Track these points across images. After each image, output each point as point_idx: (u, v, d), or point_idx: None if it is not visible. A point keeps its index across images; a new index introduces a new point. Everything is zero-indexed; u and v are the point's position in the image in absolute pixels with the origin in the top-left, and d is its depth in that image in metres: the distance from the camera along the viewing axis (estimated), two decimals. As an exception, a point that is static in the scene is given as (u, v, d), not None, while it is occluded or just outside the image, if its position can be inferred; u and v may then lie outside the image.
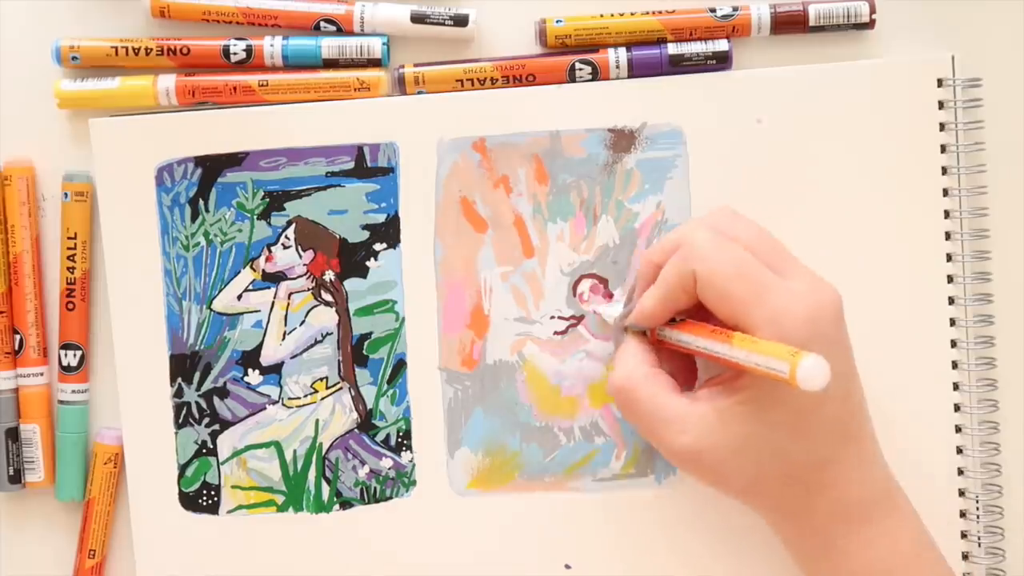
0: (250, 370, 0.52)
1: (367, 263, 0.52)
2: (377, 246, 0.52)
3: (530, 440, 0.52)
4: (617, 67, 0.51)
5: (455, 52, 0.52)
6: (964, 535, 0.52)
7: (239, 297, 0.52)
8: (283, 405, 0.53)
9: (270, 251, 0.52)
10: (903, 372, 0.52)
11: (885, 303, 0.52)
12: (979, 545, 0.52)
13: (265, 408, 0.52)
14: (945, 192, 0.52)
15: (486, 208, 0.52)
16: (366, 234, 0.52)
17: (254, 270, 0.52)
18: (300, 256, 0.52)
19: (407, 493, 0.53)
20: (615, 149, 0.52)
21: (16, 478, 0.53)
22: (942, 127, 0.52)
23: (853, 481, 0.45)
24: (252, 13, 0.52)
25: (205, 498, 0.53)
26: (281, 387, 0.52)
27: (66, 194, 0.52)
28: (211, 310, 0.52)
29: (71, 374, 0.52)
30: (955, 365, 0.52)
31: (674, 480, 0.52)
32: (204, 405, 0.52)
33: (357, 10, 0.52)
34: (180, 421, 0.52)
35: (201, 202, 0.52)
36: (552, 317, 0.52)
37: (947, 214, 0.52)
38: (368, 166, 0.52)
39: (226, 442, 0.53)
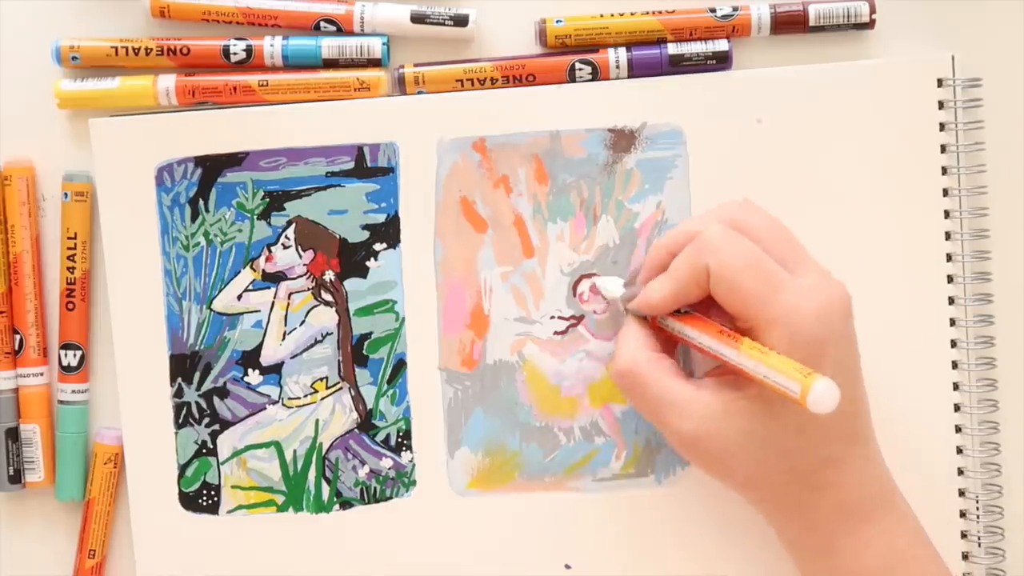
0: (250, 370, 0.52)
1: (367, 263, 0.52)
2: (377, 246, 0.52)
3: (530, 440, 0.52)
4: (617, 67, 0.51)
5: (455, 52, 0.52)
6: (964, 535, 0.52)
7: (239, 297, 0.52)
8: (283, 405, 0.53)
9: (270, 251, 0.52)
10: (903, 372, 0.52)
11: (885, 303, 0.52)
12: (979, 545, 0.52)
13: (265, 408, 0.52)
14: (945, 192, 0.52)
15: (486, 208, 0.52)
16: (366, 234, 0.52)
17: (254, 270, 0.52)
18: (300, 256, 0.52)
19: (407, 493, 0.53)
20: (615, 149, 0.52)
21: (16, 478, 0.53)
22: (942, 127, 0.52)
23: (855, 481, 0.45)
24: (252, 13, 0.52)
25: (205, 498, 0.53)
26: (281, 387, 0.52)
27: (66, 194, 0.52)
28: (211, 310, 0.52)
29: (71, 374, 0.53)
30: (955, 365, 0.52)
31: (674, 480, 0.52)
32: (204, 405, 0.52)
33: (357, 10, 0.52)
34: (180, 421, 0.52)
35: (201, 202, 0.52)
36: (552, 317, 0.52)
37: (947, 214, 0.52)
38: (368, 166, 0.52)
39: (226, 442, 0.53)
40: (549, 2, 0.52)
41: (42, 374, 0.53)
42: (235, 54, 0.52)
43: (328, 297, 0.52)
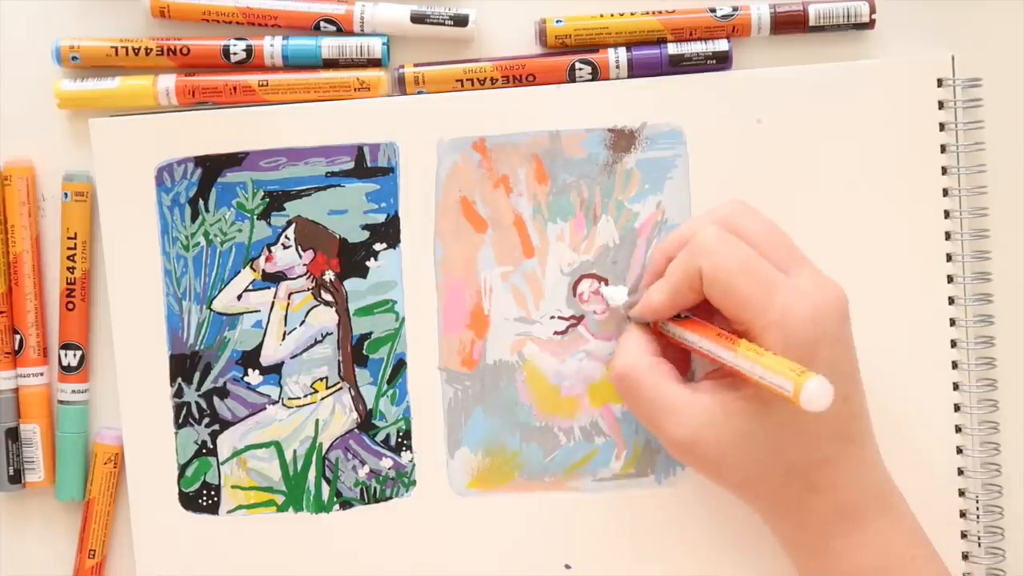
0: (250, 370, 0.52)
1: (367, 263, 0.52)
2: (377, 246, 0.52)
3: (530, 440, 0.52)
4: (617, 67, 0.51)
5: (455, 52, 0.52)
6: (964, 535, 0.52)
7: (239, 297, 0.52)
8: (283, 405, 0.53)
9: (270, 251, 0.52)
10: (903, 372, 0.52)
11: (885, 303, 0.52)
12: (979, 545, 0.52)
13: (265, 408, 0.53)
14: (945, 192, 0.52)
15: (486, 208, 0.52)
16: (366, 234, 0.52)
17: (254, 270, 0.52)
18: (300, 256, 0.52)
19: (407, 493, 0.53)
20: (615, 149, 0.52)
21: (16, 478, 0.53)
22: (942, 127, 0.52)
23: (850, 482, 0.45)
24: (252, 13, 0.52)
25: (205, 498, 0.53)
26: (281, 387, 0.52)
27: (66, 194, 0.52)
28: (211, 310, 0.52)
29: (71, 374, 0.52)
30: (955, 365, 0.52)
31: (674, 480, 0.52)
32: (204, 405, 0.52)
33: (357, 10, 0.52)
34: (180, 421, 0.52)
35: (201, 202, 0.52)
36: (552, 317, 0.52)
37: (947, 214, 0.52)
38: (368, 166, 0.52)
39: (226, 442, 0.53)
40: (549, 2, 0.52)
41: (42, 374, 0.53)
42: (235, 54, 0.52)
43: (328, 297, 0.52)
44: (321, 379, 0.52)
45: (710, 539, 0.52)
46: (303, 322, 0.52)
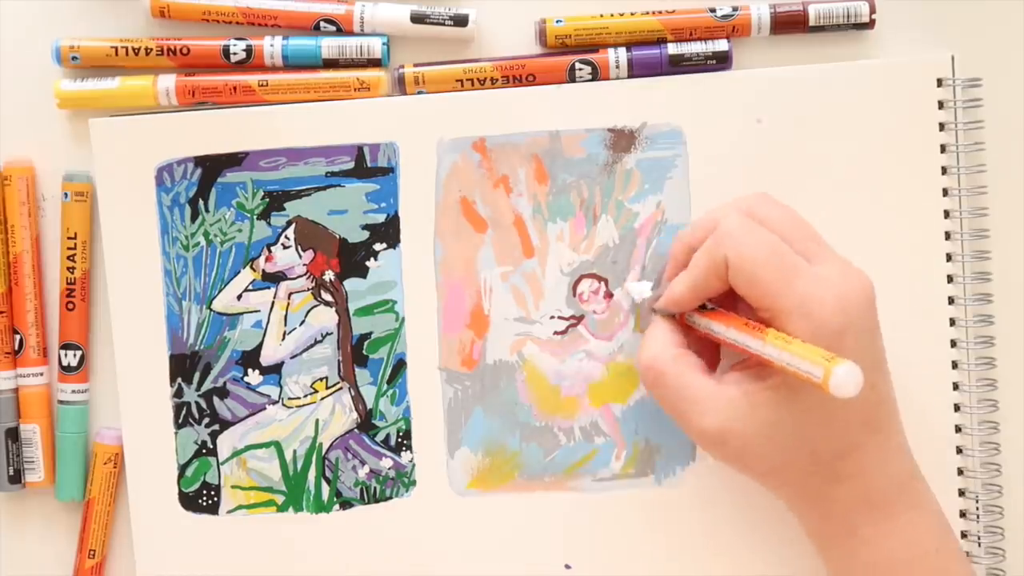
0: (250, 370, 0.52)
1: (367, 263, 0.52)
2: (377, 246, 0.52)
3: (530, 440, 0.52)
4: (617, 67, 0.51)
5: (455, 52, 0.52)
6: (964, 535, 0.52)
7: (239, 297, 0.52)
8: (283, 405, 0.53)
9: (270, 251, 0.52)
10: (903, 372, 0.51)
11: (885, 303, 0.51)
12: (979, 545, 0.52)
13: (265, 408, 0.53)
14: (945, 192, 0.52)
15: (486, 208, 0.52)
16: (366, 234, 0.52)
17: (254, 270, 0.52)
18: (300, 256, 0.52)
19: (407, 493, 0.53)
20: (615, 149, 0.52)
21: (16, 478, 0.53)
22: (942, 127, 0.52)
23: (877, 471, 0.45)
24: (252, 13, 0.52)
25: (205, 498, 0.53)
26: (281, 387, 0.52)
27: (66, 194, 0.52)
28: (211, 310, 0.52)
29: (71, 374, 0.52)
30: (955, 365, 0.52)
31: (674, 480, 0.52)
32: (204, 405, 0.52)
33: (357, 10, 0.52)
34: (180, 421, 0.52)
35: (201, 202, 0.52)
36: (552, 317, 0.52)
37: (947, 214, 0.52)
38: (368, 166, 0.52)
39: (226, 442, 0.53)
40: (549, 2, 0.52)
41: (42, 374, 0.53)
42: (235, 54, 0.52)
43: (328, 297, 0.52)
44: (321, 379, 0.52)
45: (710, 539, 0.52)
46: (303, 322, 0.52)
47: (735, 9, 0.52)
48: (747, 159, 0.51)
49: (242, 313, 0.52)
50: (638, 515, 0.52)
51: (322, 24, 0.52)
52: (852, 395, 0.40)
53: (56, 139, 0.53)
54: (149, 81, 0.52)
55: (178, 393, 0.52)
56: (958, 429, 0.52)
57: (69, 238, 0.52)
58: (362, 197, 0.52)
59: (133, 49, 0.52)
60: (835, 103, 0.51)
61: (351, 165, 0.52)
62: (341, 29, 0.52)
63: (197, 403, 0.52)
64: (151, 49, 0.52)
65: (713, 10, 0.52)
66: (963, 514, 0.52)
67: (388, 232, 0.52)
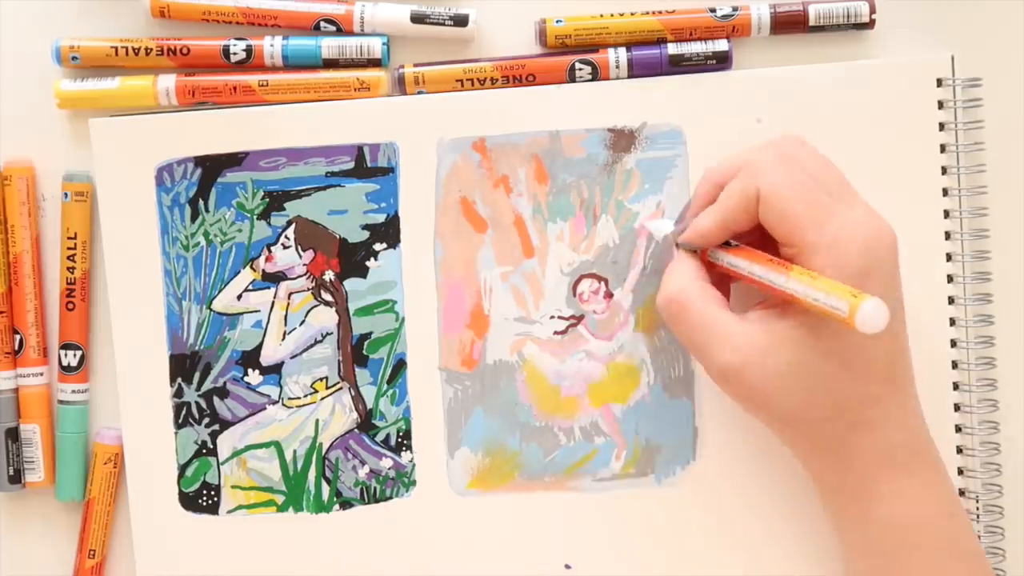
0: (250, 370, 0.52)
1: (367, 263, 0.52)
2: (377, 246, 0.52)
3: (530, 440, 0.52)
4: (617, 67, 0.51)
5: (455, 52, 0.52)
6: (964, 535, 0.52)
7: (239, 297, 0.52)
8: (283, 405, 0.53)
9: (270, 251, 0.52)
10: (903, 372, 0.52)
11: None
12: (979, 545, 0.52)
13: (265, 408, 0.53)
14: (945, 192, 0.52)
15: (486, 208, 0.52)
16: (366, 234, 0.52)
17: (254, 270, 0.52)
18: (300, 256, 0.52)
19: (407, 493, 0.53)
20: (615, 149, 0.52)
21: (16, 478, 0.53)
22: (942, 127, 0.52)
23: (896, 425, 0.45)
24: (252, 13, 0.52)
25: (205, 498, 0.53)
26: (281, 387, 0.52)
27: (66, 194, 0.52)
28: (211, 310, 0.52)
29: (71, 374, 0.52)
30: (955, 365, 0.52)
31: (674, 480, 0.52)
32: (204, 405, 0.52)
33: (357, 10, 0.52)
34: (180, 421, 0.52)
35: (201, 202, 0.52)
36: (552, 317, 0.52)
37: (947, 214, 0.52)
38: (368, 166, 0.52)
39: (226, 442, 0.53)
40: (549, 2, 0.52)
41: (42, 374, 0.53)
42: (235, 54, 0.52)
43: (328, 297, 0.52)
44: (321, 379, 0.52)
45: (710, 539, 0.52)
46: (303, 322, 0.52)
47: (735, 9, 0.52)
48: (747, 159, 0.51)
49: (242, 313, 0.52)
50: (638, 515, 0.52)
51: (322, 24, 0.52)
52: (878, 330, 0.39)
53: (56, 139, 0.53)
54: (149, 81, 0.52)
55: (178, 393, 0.52)
56: (958, 429, 0.52)
57: (69, 238, 0.52)
58: (362, 197, 0.52)
59: (133, 49, 0.52)
60: (835, 103, 0.51)
61: (351, 165, 0.52)
62: (341, 29, 0.52)
63: (197, 403, 0.52)
64: (151, 49, 0.52)
65: (713, 10, 0.52)
66: (963, 514, 0.52)
67: (388, 232, 0.52)
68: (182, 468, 0.53)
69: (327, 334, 0.52)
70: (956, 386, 0.52)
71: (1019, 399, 0.52)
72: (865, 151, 0.51)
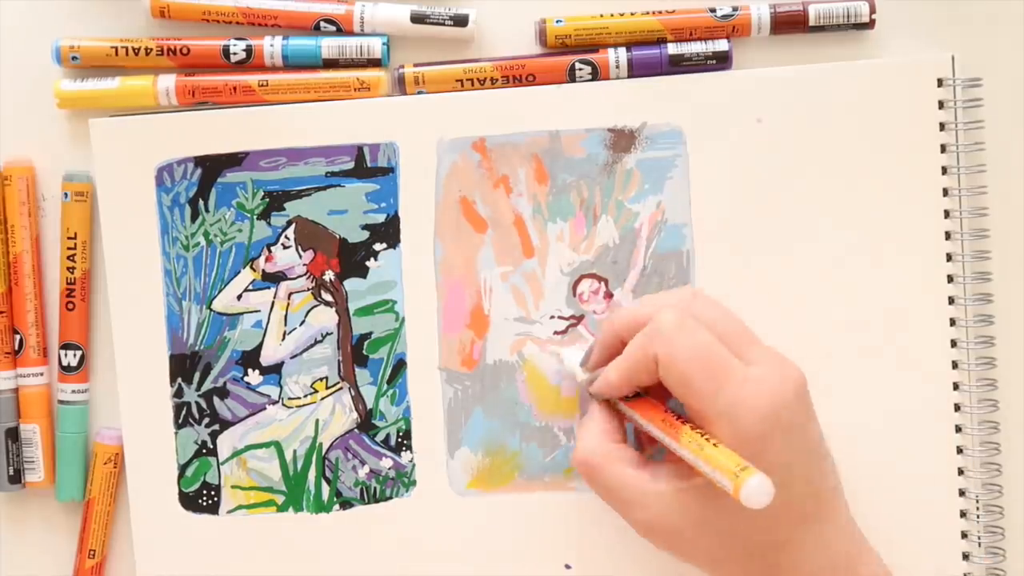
0: (250, 370, 0.52)
1: (367, 263, 0.52)
2: (377, 246, 0.52)
3: (530, 440, 0.52)
4: (617, 67, 0.51)
5: (455, 52, 0.52)
6: (964, 535, 0.52)
7: (239, 297, 0.52)
8: (283, 405, 0.53)
9: (270, 251, 0.52)
10: (903, 372, 0.52)
11: (885, 303, 0.52)
12: (979, 545, 0.52)
13: (265, 408, 0.53)
14: (945, 192, 0.52)
15: (486, 208, 0.52)
16: (366, 234, 0.52)
17: (254, 270, 0.52)
18: (300, 256, 0.52)
19: (407, 493, 0.53)
20: (615, 149, 0.52)
21: (16, 478, 0.53)
22: (942, 127, 0.51)
23: (813, 560, 0.45)
24: (252, 13, 0.52)
25: (205, 498, 0.53)
26: (281, 387, 0.52)
27: (66, 194, 0.52)
28: (211, 310, 0.52)
29: (71, 374, 0.53)
30: (955, 365, 0.52)
31: (674, 480, 0.52)
32: (204, 405, 0.52)
33: (357, 10, 0.52)
34: (180, 421, 0.52)
35: (201, 202, 0.52)
36: (552, 317, 0.52)
37: (947, 214, 0.52)
38: (368, 166, 0.52)
39: (226, 442, 0.53)
40: (549, 2, 0.52)
41: (42, 374, 0.53)
42: (235, 54, 0.52)
43: (328, 297, 0.52)
44: (321, 379, 0.52)
45: (710, 539, 0.52)
46: (303, 322, 0.52)
47: (735, 9, 0.52)
48: (747, 159, 0.51)
49: (242, 313, 0.52)
50: (638, 515, 0.52)
51: (322, 24, 0.52)
52: (762, 506, 0.40)
53: (56, 139, 0.53)
54: (149, 81, 0.52)
55: (178, 393, 0.52)
56: (958, 429, 0.52)
57: (69, 238, 0.52)
58: (362, 197, 0.52)
59: (133, 49, 0.52)
60: (835, 103, 0.51)
61: (351, 165, 0.52)
62: (341, 29, 0.52)
63: (197, 403, 0.52)
64: (151, 49, 0.52)
65: (713, 10, 0.52)
66: (963, 514, 0.52)
67: (388, 232, 0.52)
68: (182, 468, 0.53)
69: (327, 334, 0.52)
70: (956, 386, 0.52)
71: (1019, 399, 0.52)
72: (865, 151, 0.51)
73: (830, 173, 0.51)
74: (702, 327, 0.45)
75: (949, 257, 0.52)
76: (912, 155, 0.52)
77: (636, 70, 0.52)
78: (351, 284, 0.52)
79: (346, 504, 0.53)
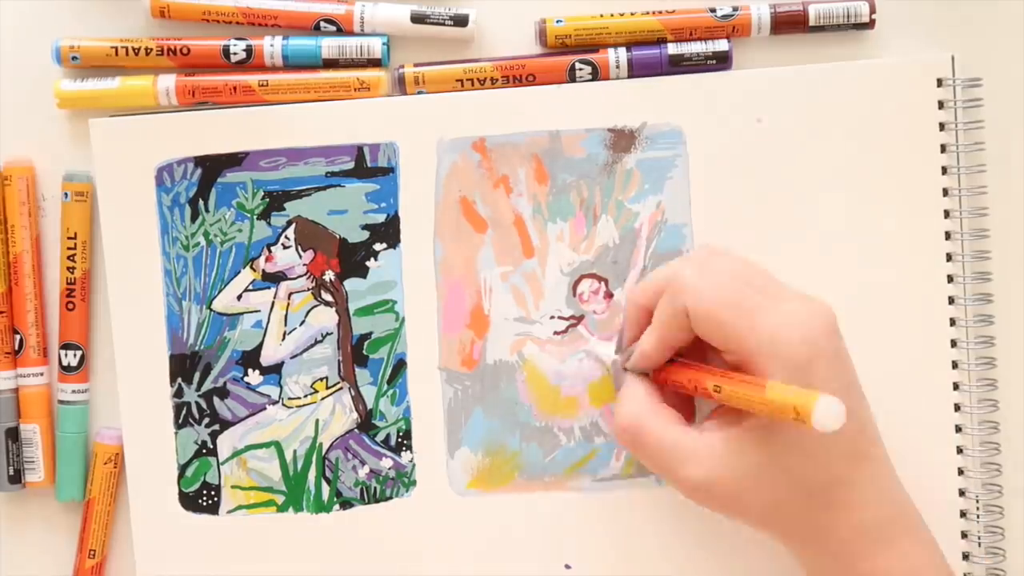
0: (250, 370, 0.52)
1: (367, 263, 0.52)
2: (377, 246, 0.52)
3: (530, 440, 0.52)
4: (617, 67, 0.51)
5: (455, 52, 0.52)
6: (964, 535, 0.52)
7: (239, 297, 0.52)
8: (283, 405, 0.53)
9: (270, 251, 0.52)
10: (903, 372, 0.52)
11: (885, 303, 0.52)
12: (979, 545, 0.52)
13: (265, 408, 0.53)
14: (945, 192, 0.52)
15: (486, 208, 0.52)
16: (366, 234, 0.52)
17: (254, 270, 0.52)
18: (300, 256, 0.52)
19: (407, 493, 0.53)
20: (615, 149, 0.52)
21: (16, 478, 0.53)
22: (942, 127, 0.52)
23: (870, 501, 0.45)
24: (252, 13, 0.52)
25: (205, 498, 0.53)
26: (281, 387, 0.52)
27: (66, 194, 0.52)
28: (211, 310, 0.52)
29: (71, 374, 0.53)
30: (955, 365, 0.52)
31: (674, 480, 0.52)
32: (204, 405, 0.52)
33: (357, 10, 0.52)
34: (180, 421, 0.52)
35: (201, 202, 0.52)
36: (552, 317, 0.52)
37: (947, 214, 0.52)
38: (368, 166, 0.52)
39: (226, 442, 0.53)
40: (549, 2, 0.52)
41: (42, 374, 0.53)
42: (235, 54, 0.52)
43: (328, 297, 0.52)
44: (321, 379, 0.52)
45: (710, 540, 0.52)
46: (303, 322, 0.52)
47: (735, 9, 0.52)
48: (747, 159, 0.51)
49: (242, 313, 0.52)
50: (638, 515, 0.52)
51: (322, 24, 0.52)
52: (838, 427, 0.39)
53: (56, 139, 0.53)
54: (149, 81, 0.52)
55: (178, 393, 0.52)
56: (958, 429, 0.52)
57: (69, 238, 0.52)
58: (362, 197, 0.52)
59: (133, 49, 0.52)
60: (835, 103, 0.51)
61: (351, 165, 0.52)
62: (341, 29, 0.52)
63: (197, 403, 0.52)
64: (151, 49, 0.52)
65: (713, 10, 0.52)
66: (963, 514, 0.52)
67: (388, 232, 0.52)
68: (182, 468, 0.53)
69: (327, 334, 0.52)
70: (956, 386, 0.52)
71: (1019, 399, 0.52)
72: (865, 151, 0.51)
73: (830, 173, 0.51)
74: (724, 271, 0.45)
75: (949, 257, 0.52)
76: (912, 155, 0.52)
77: (636, 70, 0.52)
78: (351, 284, 0.52)
79: (346, 504, 0.53)
